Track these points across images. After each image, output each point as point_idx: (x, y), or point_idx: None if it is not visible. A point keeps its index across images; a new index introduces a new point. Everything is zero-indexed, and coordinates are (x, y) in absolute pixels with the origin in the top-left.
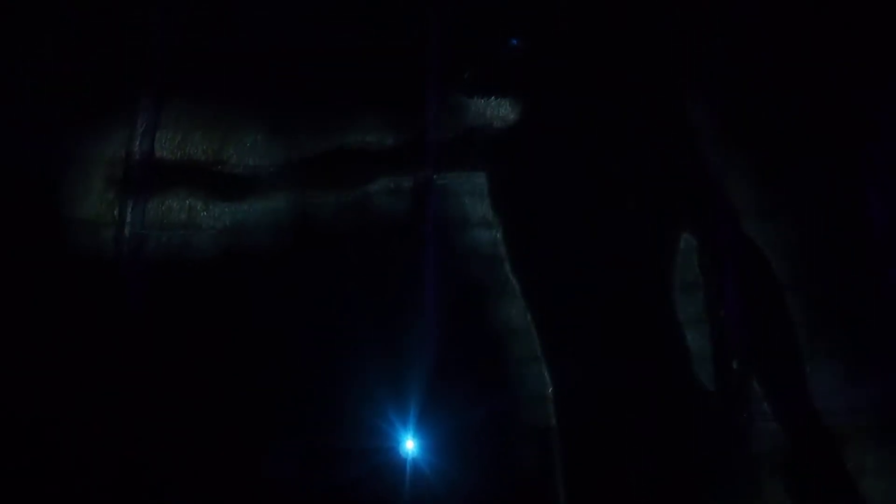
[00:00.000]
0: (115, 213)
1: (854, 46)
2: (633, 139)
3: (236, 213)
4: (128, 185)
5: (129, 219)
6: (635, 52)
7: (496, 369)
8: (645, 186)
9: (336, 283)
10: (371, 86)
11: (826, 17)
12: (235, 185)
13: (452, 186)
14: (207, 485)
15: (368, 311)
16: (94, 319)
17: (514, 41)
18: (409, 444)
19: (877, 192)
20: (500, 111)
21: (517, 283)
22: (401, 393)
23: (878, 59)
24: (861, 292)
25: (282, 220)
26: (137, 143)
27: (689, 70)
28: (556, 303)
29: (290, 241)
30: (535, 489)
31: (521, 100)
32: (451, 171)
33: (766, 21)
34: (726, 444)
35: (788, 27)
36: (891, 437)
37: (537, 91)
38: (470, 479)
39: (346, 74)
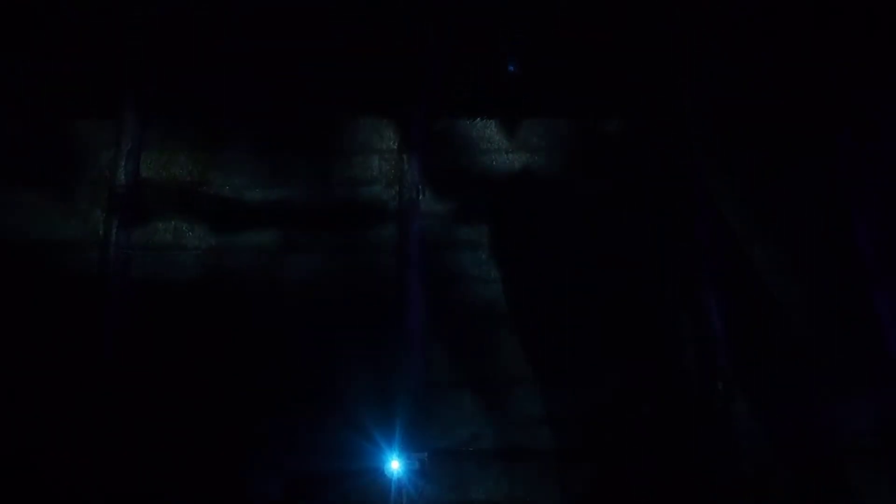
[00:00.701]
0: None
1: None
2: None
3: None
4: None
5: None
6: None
7: (485, 390)
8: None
9: (322, 302)
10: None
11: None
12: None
13: (438, 207)
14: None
15: (355, 330)
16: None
17: (511, 68)
18: (395, 465)
19: (863, 221)
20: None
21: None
22: (387, 414)
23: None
24: (848, 315)
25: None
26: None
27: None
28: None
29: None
30: None
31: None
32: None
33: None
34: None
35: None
36: (878, 456)
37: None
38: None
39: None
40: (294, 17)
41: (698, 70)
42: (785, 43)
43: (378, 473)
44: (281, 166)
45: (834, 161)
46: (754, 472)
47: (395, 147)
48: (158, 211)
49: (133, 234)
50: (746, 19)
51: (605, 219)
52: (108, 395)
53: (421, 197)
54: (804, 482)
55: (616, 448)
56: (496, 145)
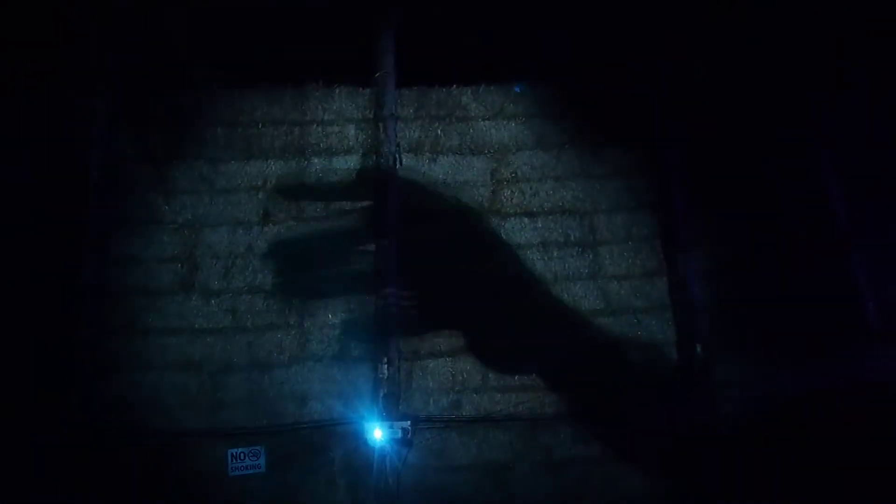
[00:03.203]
0: None
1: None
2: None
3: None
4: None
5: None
6: None
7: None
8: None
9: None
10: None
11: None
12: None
13: (415, 176)
14: None
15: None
16: None
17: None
18: (377, 434)
19: (839, 186)
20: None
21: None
22: (368, 383)
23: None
24: (825, 279)
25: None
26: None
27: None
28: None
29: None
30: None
31: None
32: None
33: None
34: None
35: None
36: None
37: None
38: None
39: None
40: None
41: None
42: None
43: (361, 443)
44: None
45: (810, 128)
46: (731, 433)
47: (372, 116)
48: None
49: None
50: None
51: (590, 185)
52: None
53: (398, 165)
54: (780, 444)
55: (595, 412)
56: (472, 112)
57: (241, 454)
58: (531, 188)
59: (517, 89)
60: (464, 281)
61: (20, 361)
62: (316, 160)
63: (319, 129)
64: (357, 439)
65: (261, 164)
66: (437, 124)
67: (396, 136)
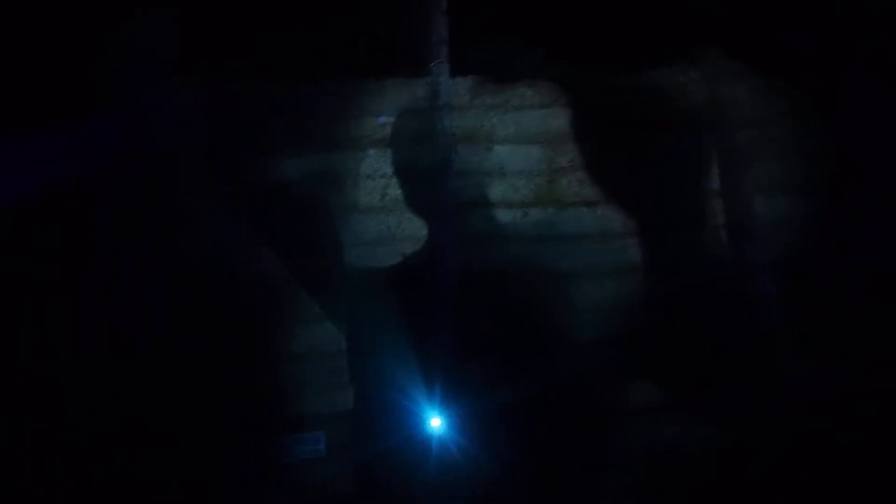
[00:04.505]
0: None
1: None
2: None
3: None
4: None
5: None
6: None
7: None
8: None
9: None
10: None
11: None
12: None
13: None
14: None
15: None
16: None
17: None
18: (435, 423)
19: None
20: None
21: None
22: (423, 373)
23: None
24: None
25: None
26: None
27: None
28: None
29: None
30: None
31: None
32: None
33: None
34: None
35: None
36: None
37: None
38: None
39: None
40: None
41: None
42: None
43: (417, 433)
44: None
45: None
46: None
47: (426, 106)
48: None
49: None
50: None
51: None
52: None
53: (453, 155)
54: None
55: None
56: (528, 100)
57: (302, 439)
58: (589, 176)
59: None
60: (521, 271)
61: None
62: (372, 151)
63: (373, 120)
64: (413, 430)
65: (312, 156)
66: (492, 113)
67: (451, 125)
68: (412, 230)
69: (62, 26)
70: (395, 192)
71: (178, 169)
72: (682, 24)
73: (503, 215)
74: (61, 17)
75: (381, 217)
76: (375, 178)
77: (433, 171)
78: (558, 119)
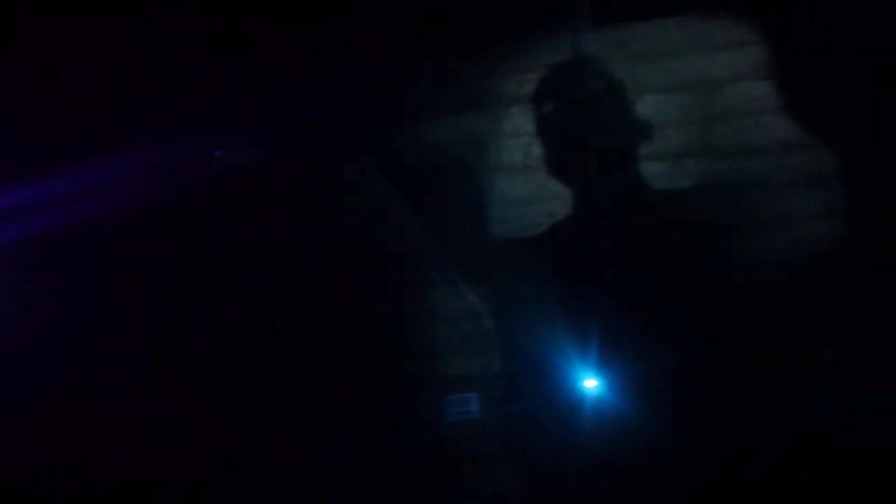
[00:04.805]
0: None
1: None
2: None
3: None
4: None
5: None
6: None
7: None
8: None
9: None
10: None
11: None
12: None
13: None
14: None
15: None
16: None
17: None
18: (590, 384)
19: None
20: None
21: None
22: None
23: None
24: None
25: None
26: None
27: None
28: None
29: None
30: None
31: None
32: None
33: None
34: None
35: None
36: None
37: None
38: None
39: None
40: None
41: None
42: None
43: (573, 393)
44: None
45: None
46: None
47: (570, 60)
48: None
49: None
50: None
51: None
52: None
53: (599, 109)
54: None
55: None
56: (677, 46)
57: (454, 401)
58: (748, 123)
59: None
60: (675, 226)
61: None
62: (514, 110)
63: (517, 77)
64: (569, 390)
65: (455, 119)
66: (639, 62)
67: (597, 78)
68: (558, 189)
69: None
70: (539, 150)
71: (335, 139)
72: None
73: (655, 168)
74: None
75: (526, 176)
76: (519, 137)
77: (578, 127)
78: (712, 63)
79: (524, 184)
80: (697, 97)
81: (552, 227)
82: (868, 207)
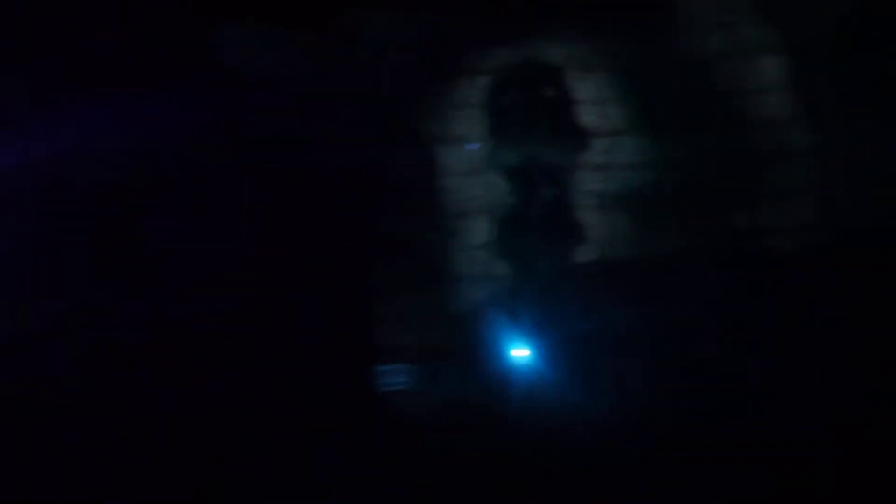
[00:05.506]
0: None
1: None
2: None
3: None
4: None
5: None
6: None
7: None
8: None
9: None
10: None
11: None
12: None
13: None
14: None
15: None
16: None
17: None
18: (520, 353)
19: None
20: None
21: None
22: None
23: None
24: None
25: None
26: None
27: None
28: None
29: None
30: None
31: None
32: None
33: None
34: None
35: None
36: None
37: None
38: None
39: None
40: None
41: None
42: None
43: (503, 360)
44: None
45: None
46: None
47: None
48: None
49: None
50: None
51: None
52: None
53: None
54: None
55: None
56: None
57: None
58: None
59: None
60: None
61: None
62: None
63: None
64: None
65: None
66: None
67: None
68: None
69: None
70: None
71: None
72: None
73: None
74: None
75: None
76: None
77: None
78: None
79: (464, 157)
80: None
81: (491, 199)
82: None
